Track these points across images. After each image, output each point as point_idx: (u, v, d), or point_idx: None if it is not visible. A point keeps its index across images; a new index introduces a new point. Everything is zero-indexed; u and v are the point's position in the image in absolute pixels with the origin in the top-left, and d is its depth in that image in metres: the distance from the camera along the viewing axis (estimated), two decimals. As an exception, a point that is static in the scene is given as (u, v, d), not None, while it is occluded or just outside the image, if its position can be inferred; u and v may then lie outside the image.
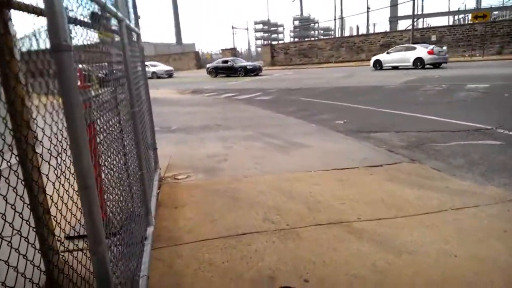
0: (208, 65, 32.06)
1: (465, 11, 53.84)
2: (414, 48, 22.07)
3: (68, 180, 1.51)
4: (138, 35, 4.14)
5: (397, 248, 2.56)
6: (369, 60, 25.86)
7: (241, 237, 2.79)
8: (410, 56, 21.94)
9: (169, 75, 34.94)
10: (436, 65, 21.32)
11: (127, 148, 2.85)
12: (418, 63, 21.40)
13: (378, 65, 23.71)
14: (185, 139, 6.73)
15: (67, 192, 1.52)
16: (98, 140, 2.13)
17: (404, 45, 25.13)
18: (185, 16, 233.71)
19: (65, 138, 1.43)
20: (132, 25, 3.81)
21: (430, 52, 21.14)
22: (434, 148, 5.39)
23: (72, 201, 1.52)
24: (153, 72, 34.35)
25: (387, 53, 23.67)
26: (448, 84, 13.06)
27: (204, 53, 77.16)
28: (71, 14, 1.56)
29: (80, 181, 1.20)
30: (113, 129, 2.47)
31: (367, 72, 22.40)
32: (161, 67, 36.38)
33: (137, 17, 4.12)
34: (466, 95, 10.20)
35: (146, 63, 37.22)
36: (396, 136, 6.27)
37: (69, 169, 1.42)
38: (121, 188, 2.65)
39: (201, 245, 2.73)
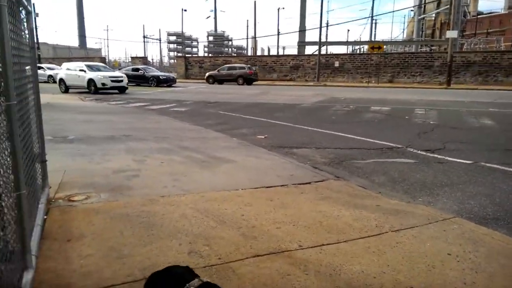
0: (116, 72, 29.82)
1: (361, 42, 60.87)
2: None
3: None
4: (29, 13, 3.20)
5: (350, 282, 2.20)
6: (281, 80, 27.93)
7: (160, 279, 2.13)
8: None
9: (69, 80, 31.58)
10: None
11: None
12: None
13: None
14: (85, 151, 5.67)
15: None
16: None
17: None
18: (92, 22, 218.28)
19: None
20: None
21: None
22: (355, 165, 5.38)
23: None
24: (50, 76, 30.74)
25: None
26: (354, 105, 13.99)
27: (111, 60, 72.32)
28: None
29: None
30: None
31: (279, 91, 23.13)
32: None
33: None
34: (373, 116, 10.93)
35: (42, 65, 33.10)
36: (317, 152, 6.20)
37: None
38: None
39: (104, 294, 2.00)
